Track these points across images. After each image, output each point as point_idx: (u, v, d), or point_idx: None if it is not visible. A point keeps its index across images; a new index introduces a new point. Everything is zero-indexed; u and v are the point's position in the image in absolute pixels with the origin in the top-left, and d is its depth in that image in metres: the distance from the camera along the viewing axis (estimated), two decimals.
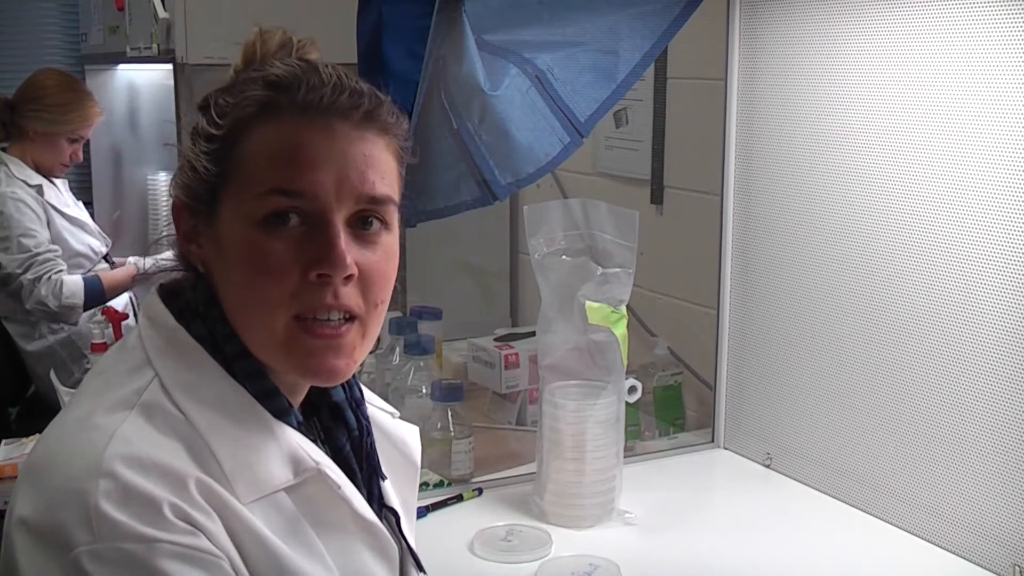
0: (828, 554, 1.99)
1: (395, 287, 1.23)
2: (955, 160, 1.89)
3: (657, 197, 2.90)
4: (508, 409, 2.72)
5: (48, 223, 3.75)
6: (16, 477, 2.50)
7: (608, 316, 2.05)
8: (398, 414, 1.43)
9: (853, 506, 2.15)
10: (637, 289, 2.13)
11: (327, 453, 1.26)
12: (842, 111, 2.10)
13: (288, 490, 1.18)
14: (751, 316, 2.40)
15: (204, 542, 1.07)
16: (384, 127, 1.20)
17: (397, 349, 2.53)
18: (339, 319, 1.17)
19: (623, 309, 2.09)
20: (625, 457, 2.16)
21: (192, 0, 3.26)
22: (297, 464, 1.18)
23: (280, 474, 1.17)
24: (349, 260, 1.15)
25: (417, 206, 2.02)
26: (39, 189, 3.75)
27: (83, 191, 4.43)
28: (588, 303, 2.04)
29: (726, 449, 2.49)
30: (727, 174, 2.41)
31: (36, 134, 3.77)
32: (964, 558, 1.92)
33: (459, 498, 2.17)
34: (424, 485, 2.20)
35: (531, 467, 2.18)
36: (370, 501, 1.29)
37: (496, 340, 2.77)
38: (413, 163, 1.27)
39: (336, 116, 1.17)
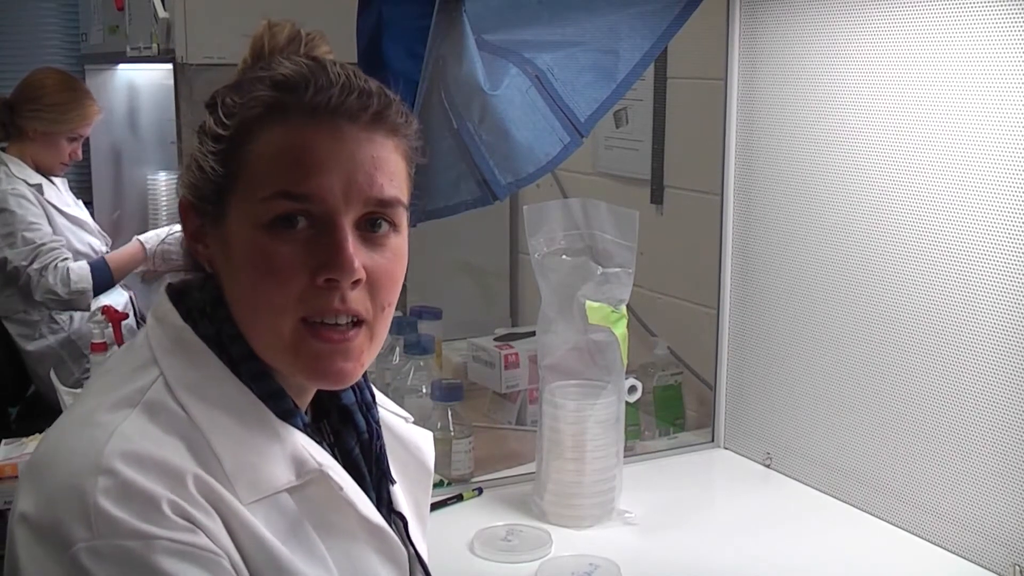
0: (828, 554, 1.99)
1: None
2: (955, 160, 1.89)
3: (657, 197, 2.90)
4: (508, 409, 2.71)
5: (49, 221, 3.75)
6: (16, 477, 2.51)
7: (608, 316, 2.05)
8: (412, 419, 1.43)
9: (853, 506, 2.15)
10: (637, 289, 2.13)
11: (336, 456, 1.26)
12: (842, 111, 2.10)
13: (291, 491, 1.17)
14: (751, 316, 2.40)
15: (203, 539, 1.07)
16: (393, 128, 1.20)
17: (397, 349, 2.53)
18: (347, 323, 1.16)
19: (623, 309, 2.09)
20: (625, 457, 2.16)
21: (192, 0, 3.26)
22: (300, 465, 1.18)
23: (282, 475, 1.16)
24: (357, 264, 1.14)
25: (417, 206, 2.01)
26: (39, 188, 3.76)
27: (83, 190, 4.43)
28: (588, 303, 2.04)
29: (726, 449, 2.49)
30: (727, 174, 2.40)
31: (36, 133, 3.77)
32: (964, 558, 1.92)
33: (459, 498, 2.17)
34: None
35: (531, 467, 2.18)
36: (379, 505, 1.28)
37: (496, 340, 2.77)
38: (423, 163, 1.26)
39: (344, 118, 1.16)
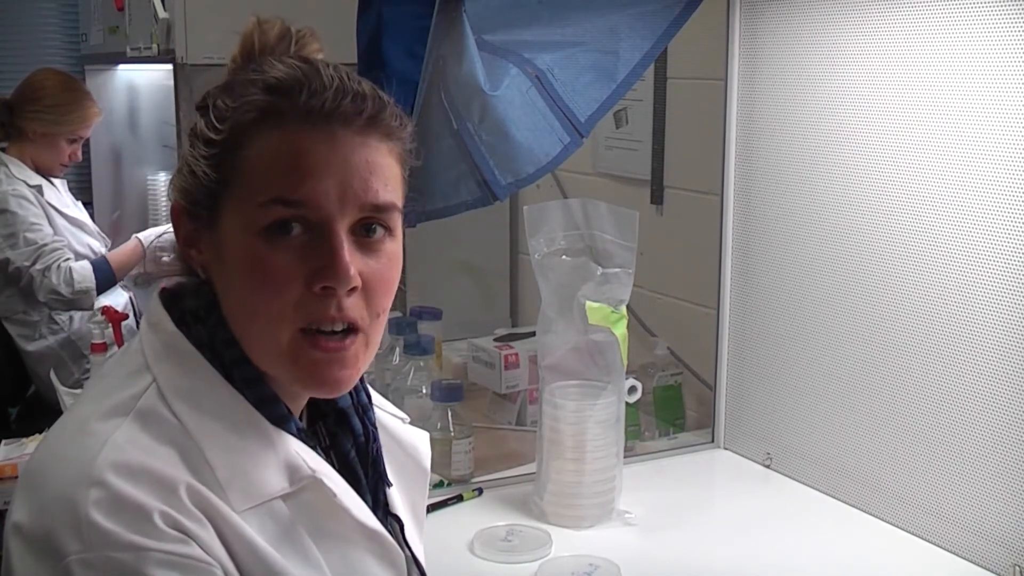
0: (828, 554, 1.98)
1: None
2: (955, 160, 1.89)
3: (657, 197, 2.90)
4: (508, 409, 2.71)
5: (49, 222, 3.75)
6: (16, 477, 2.51)
7: (608, 316, 2.05)
8: (408, 419, 1.43)
9: (853, 506, 2.15)
10: (637, 289, 2.13)
11: (332, 459, 1.26)
12: (842, 111, 2.10)
13: (284, 498, 1.16)
14: (751, 316, 2.40)
15: (195, 550, 1.06)
16: (388, 131, 1.18)
17: (397, 349, 2.53)
18: (343, 330, 1.15)
19: (623, 309, 2.09)
20: (625, 457, 2.16)
21: (192, 0, 3.26)
22: (293, 472, 1.17)
23: (275, 482, 1.15)
24: (353, 272, 1.13)
25: (417, 206, 2.00)
26: (39, 189, 3.76)
27: (83, 191, 4.43)
28: (588, 303, 2.04)
29: (726, 449, 2.49)
30: (727, 174, 2.40)
31: (35, 135, 3.77)
32: (964, 558, 1.92)
33: (459, 498, 2.17)
34: None
35: (531, 467, 2.18)
36: (375, 508, 1.28)
37: (496, 340, 2.77)
38: (417, 165, 1.25)
39: (338, 122, 1.15)
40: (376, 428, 1.33)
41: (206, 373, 1.16)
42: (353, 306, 1.15)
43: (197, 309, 1.20)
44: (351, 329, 1.16)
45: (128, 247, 3.89)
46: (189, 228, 1.20)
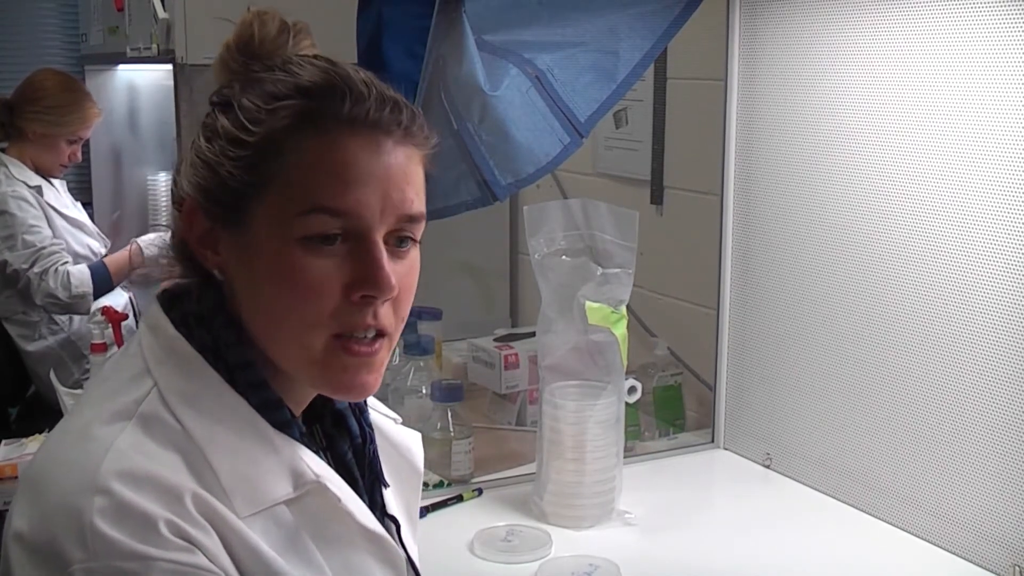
0: (828, 554, 1.99)
1: None
2: (955, 160, 1.89)
3: (657, 197, 2.90)
4: (508, 409, 2.71)
5: (48, 224, 3.76)
6: (15, 478, 2.51)
7: (608, 316, 2.05)
8: (400, 420, 1.42)
9: (853, 507, 2.15)
10: (637, 289, 2.13)
11: (330, 461, 1.25)
12: (842, 111, 2.10)
13: (288, 503, 1.16)
14: (751, 316, 2.40)
15: (200, 559, 1.05)
16: (419, 141, 1.19)
17: (397, 349, 2.52)
18: (373, 336, 1.16)
19: (623, 309, 2.09)
20: (625, 457, 2.16)
21: (192, 0, 3.26)
22: (297, 477, 1.16)
23: (279, 488, 1.15)
24: (394, 282, 1.14)
25: None
26: (38, 190, 3.76)
27: (82, 191, 4.43)
28: (588, 303, 2.04)
29: (726, 449, 2.49)
30: (727, 174, 2.41)
31: (36, 135, 3.78)
32: (964, 558, 1.92)
33: (459, 498, 2.17)
34: (424, 485, 2.19)
35: (531, 467, 2.18)
36: (372, 509, 1.27)
37: (496, 340, 2.77)
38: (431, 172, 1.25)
39: (382, 131, 1.14)
40: (372, 429, 1.33)
41: (208, 377, 1.15)
42: (387, 313, 1.16)
43: (200, 311, 1.19)
44: (380, 334, 1.16)
45: (126, 252, 3.89)
46: (205, 227, 1.17)
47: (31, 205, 3.71)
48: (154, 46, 3.50)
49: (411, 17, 1.90)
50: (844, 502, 2.17)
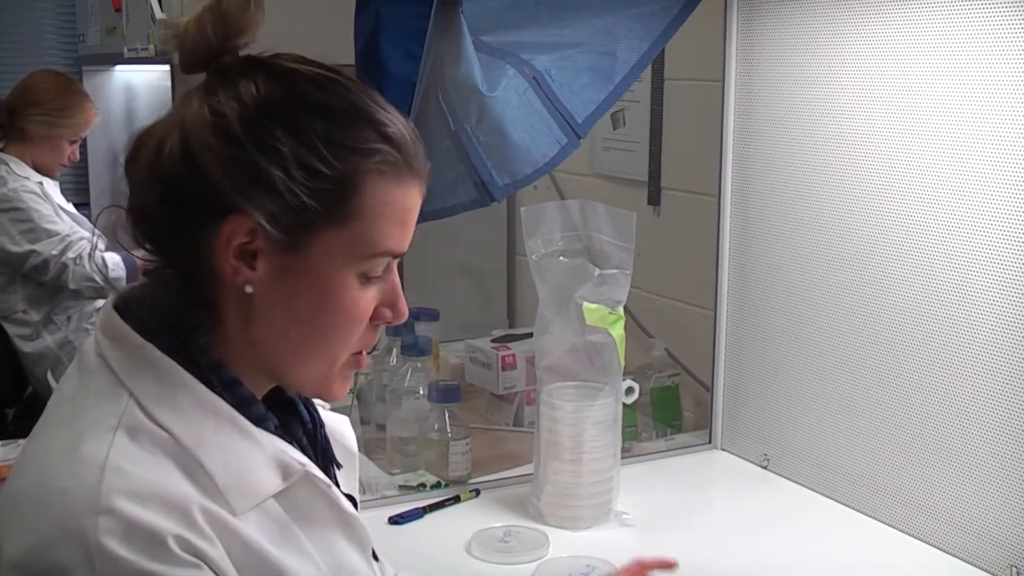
0: (825, 555, 1.99)
1: None
2: (955, 159, 1.89)
3: (654, 198, 2.90)
4: (505, 410, 2.72)
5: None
6: None
7: (605, 317, 2.05)
8: (328, 405, 1.43)
9: (851, 507, 2.15)
10: (634, 290, 2.13)
11: None
12: (840, 113, 2.10)
13: (277, 495, 1.18)
14: (748, 317, 2.40)
15: (208, 574, 1.06)
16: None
17: (394, 350, 2.52)
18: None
19: (620, 310, 2.09)
20: (622, 458, 2.16)
21: (189, 1, 3.26)
22: (285, 469, 1.19)
23: (270, 481, 1.17)
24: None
25: None
26: (40, 187, 3.77)
27: (80, 192, 4.44)
28: (585, 304, 2.04)
29: (723, 450, 2.49)
30: (724, 175, 2.41)
31: (38, 136, 3.79)
32: (962, 559, 1.92)
33: (456, 499, 2.17)
34: (421, 486, 2.21)
35: (528, 468, 2.18)
36: None
37: (493, 341, 2.77)
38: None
39: (423, 179, 1.22)
40: (319, 414, 1.36)
41: (184, 380, 1.15)
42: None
43: (164, 315, 1.18)
44: None
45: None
46: (244, 240, 1.15)
47: (42, 199, 3.73)
48: (151, 47, 3.51)
49: (409, 18, 1.90)
50: (842, 503, 2.17)
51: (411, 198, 1.20)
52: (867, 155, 2.05)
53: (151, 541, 1.03)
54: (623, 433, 2.17)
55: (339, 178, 1.14)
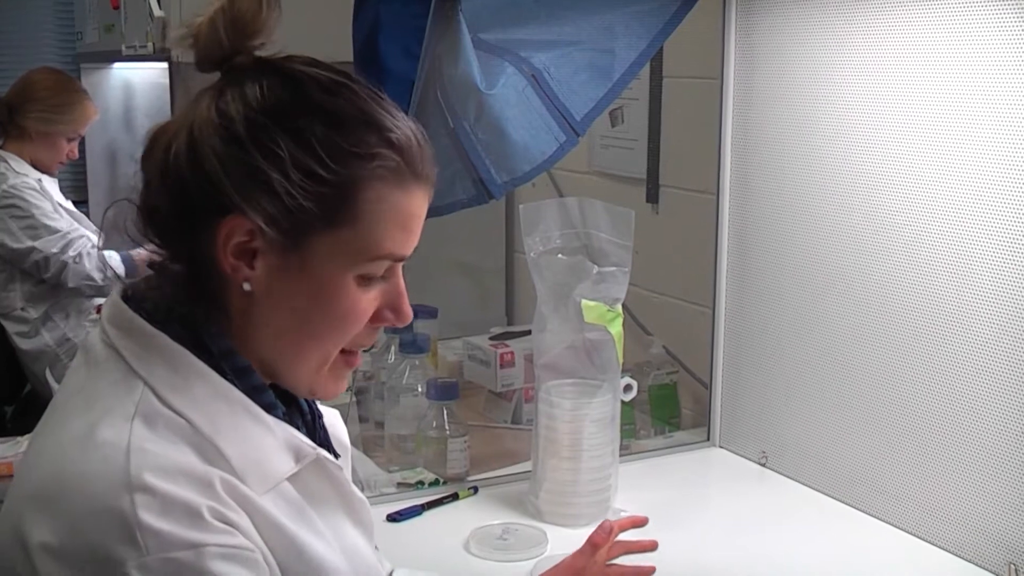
0: (823, 552, 1.99)
1: None
2: (953, 158, 1.89)
3: (653, 196, 2.90)
4: (504, 408, 2.72)
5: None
6: (11, 476, 2.50)
7: (604, 315, 2.06)
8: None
9: (849, 504, 2.15)
10: (633, 288, 2.13)
11: None
12: (839, 109, 2.10)
13: (290, 479, 1.21)
14: (747, 315, 2.40)
15: (242, 539, 1.10)
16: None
17: (392, 348, 2.53)
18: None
19: (619, 308, 2.09)
20: (621, 456, 2.16)
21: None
22: (297, 452, 1.22)
23: (284, 464, 1.20)
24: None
25: None
26: (40, 184, 3.77)
27: (78, 189, 4.44)
28: (584, 301, 2.04)
29: (722, 448, 2.49)
30: (723, 173, 2.41)
31: (38, 134, 3.79)
32: (960, 556, 1.93)
33: (455, 496, 2.17)
34: (419, 484, 2.21)
35: (527, 466, 2.18)
36: None
37: (492, 339, 2.77)
38: None
39: (429, 184, 1.23)
40: (318, 406, 1.38)
41: (198, 368, 1.17)
42: None
43: (172, 305, 1.20)
44: None
45: (144, 252, 3.87)
46: (243, 240, 1.16)
47: (41, 195, 3.73)
48: (150, 44, 3.51)
49: (407, 16, 1.90)
50: (840, 500, 2.17)
51: (415, 203, 1.20)
52: (866, 151, 2.05)
53: (187, 513, 1.06)
54: (621, 431, 2.17)
55: (337, 182, 1.15)
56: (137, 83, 4.53)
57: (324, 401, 1.41)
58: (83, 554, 1.04)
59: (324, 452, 1.26)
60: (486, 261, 3.49)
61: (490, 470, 2.32)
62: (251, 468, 1.15)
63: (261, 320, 1.20)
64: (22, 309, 3.77)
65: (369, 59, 1.89)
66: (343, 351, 1.23)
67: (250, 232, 1.15)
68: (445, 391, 2.28)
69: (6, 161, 3.75)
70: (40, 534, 1.06)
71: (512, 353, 2.68)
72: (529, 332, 2.25)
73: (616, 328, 2.07)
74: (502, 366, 2.66)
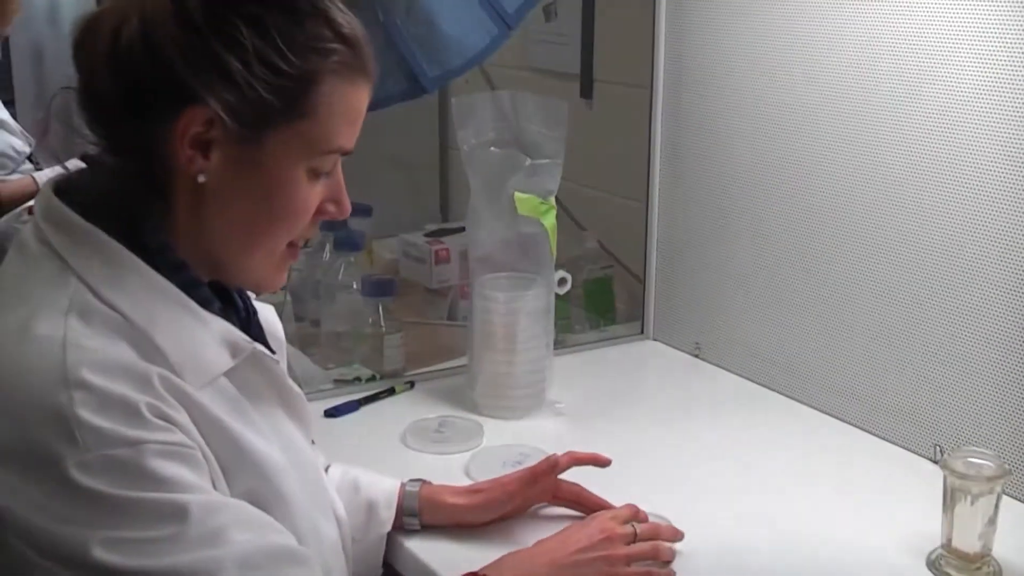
0: (753, 438, 2.01)
1: None
2: (888, 61, 1.90)
3: (587, 91, 2.89)
4: (439, 305, 2.72)
5: None
6: None
7: (537, 207, 2.06)
8: (254, 295, 1.45)
9: (779, 392, 2.19)
10: (567, 183, 2.13)
11: None
12: (775, 2, 2.10)
13: (227, 373, 1.21)
14: (680, 209, 2.41)
15: (180, 436, 1.10)
16: None
17: (328, 246, 2.52)
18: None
19: (552, 200, 2.09)
20: (555, 349, 2.18)
21: None
22: (233, 347, 1.22)
23: (221, 359, 1.21)
24: None
25: None
26: None
27: (4, 89, 4.34)
28: (517, 194, 2.04)
29: (656, 340, 2.52)
30: (656, 67, 2.40)
31: None
32: (888, 440, 1.97)
33: (391, 391, 2.18)
34: (356, 379, 2.22)
35: (463, 360, 2.20)
36: None
37: (427, 235, 2.77)
38: None
39: (371, 80, 1.25)
40: (252, 303, 1.39)
41: (132, 262, 1.16)
42: None
43: (108, 198, 1.19)
44: None
45: (19, 182, 3.78)
46: (200, 130, 1.15)
47: None
48: None
49: None
50: (770, 388, 2.21)
51: (362, 98, 1.23)
52: (800, 42, 2.05)
53: (125, 410, 1.06)
54: (557, 325, 2.19)
55: (297, 75, 1.16)
56: None
57: (259, 297, 1.42)
58: (21, 452, 1.04)
59: (260, 346, 1.26)
60: (419, 157, 3.46)
61: (426, 367, 2.33)
62: (188, 363, 1.15)
63: (210, 212, 1.20)
64: None
65: None
66: (289, 243, 1.25)
67: (208, 122, 1.15)
68: (380, 288, 2.29)
69: None
70: None
71: (447, 250, 2.69)
72: (463, 229, 2.25)
73: (550, 221, 2.08)
74: (437, 263, 2.67)
